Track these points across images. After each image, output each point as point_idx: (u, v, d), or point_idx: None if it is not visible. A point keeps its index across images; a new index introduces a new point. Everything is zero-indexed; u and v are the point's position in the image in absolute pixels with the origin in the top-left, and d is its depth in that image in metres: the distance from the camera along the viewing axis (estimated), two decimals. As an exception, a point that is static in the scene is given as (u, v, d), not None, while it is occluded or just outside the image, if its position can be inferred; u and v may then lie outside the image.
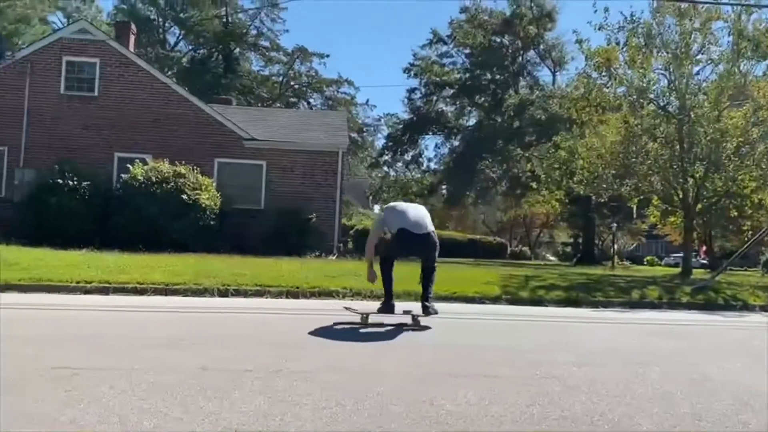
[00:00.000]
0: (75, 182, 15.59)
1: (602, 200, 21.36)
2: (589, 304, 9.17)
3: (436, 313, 6.09)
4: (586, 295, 9.85)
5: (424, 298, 6.23)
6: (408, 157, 42.38)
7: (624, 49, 16.80)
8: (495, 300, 8.99)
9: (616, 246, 35.96)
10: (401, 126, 41.81)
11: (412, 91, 41.63)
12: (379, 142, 47.56)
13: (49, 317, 6.11)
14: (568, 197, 22.45)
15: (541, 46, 40.07)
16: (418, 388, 3.41)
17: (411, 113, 41.61)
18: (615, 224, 32.82)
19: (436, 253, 6.53)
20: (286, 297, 8.59)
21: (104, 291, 8.32)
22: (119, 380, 3.33)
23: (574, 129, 19.88)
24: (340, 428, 2.68)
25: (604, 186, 18.16)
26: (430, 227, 6.43)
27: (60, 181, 15.53)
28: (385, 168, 43.46)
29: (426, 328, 5.94)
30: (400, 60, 68.21)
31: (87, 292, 8.23)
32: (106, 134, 18.17)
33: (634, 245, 54.08)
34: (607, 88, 17.88)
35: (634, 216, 32.24)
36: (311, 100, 50.93)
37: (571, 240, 47.78)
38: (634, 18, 16.50)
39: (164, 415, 2.75)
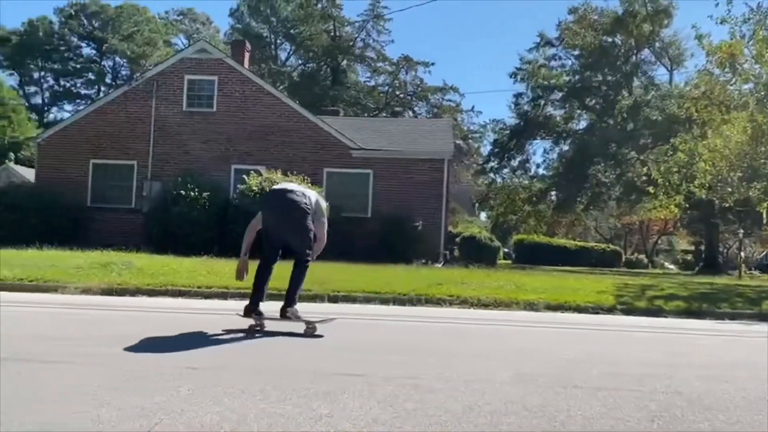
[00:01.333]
0: (196, 193, 16.58)
1: (727, 205, 19.92)
2: (714, 316, 8.56)
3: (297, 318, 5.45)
4: (711, 305, 9.21)
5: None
6: (515, 163, 41.53)
7: (750, 43, 15.63)
8: (609, 310, 8.61)
9: (743, 254, 33.37)
10: (508, 131, 41.07)
11: (518, 95, 40.83)
12: (485, 149, 47.03)
13: (177, 319, 6.52)
14: (689, 202, 21.15)
15: (657, 44, 38.05)
16: (530, 399, 3.33)
17: (518, 118, 40.80)
18: (741, 231, 30.49)
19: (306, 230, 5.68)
20: (393, 304, 8.67)
21: (223, 296, 8.78)
22: (237, 380, 3.49)
23: (693, 130, 18.74)
24: (449, 436, 2.67)
25: (729, 190, 16.95)
26: (298, 191, 5.65)
27: (182, 192, 16.57)
28: (492, 175, 42.81)
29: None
30: (506, 65, 67.42)
31: (206, 297, 8.72)
32: (223, 147, 19.24)
33: (765, 253, 49.96)
34: (731, 85, 16.72)
35: (765, 222, 29.78)
36: (416, 109, 51.31)
37: (692, 247, 44.92)
38: (762, 9, 15.33)
39: (279, 415, 2.86)
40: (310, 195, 5.81)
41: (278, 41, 52.71)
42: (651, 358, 4.97)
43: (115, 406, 2.91)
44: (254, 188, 16.37)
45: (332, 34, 49.77)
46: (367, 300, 8.78)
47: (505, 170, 42.50)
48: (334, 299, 8.74)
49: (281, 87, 41.76)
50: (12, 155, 36.79)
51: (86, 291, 8.74)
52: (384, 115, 46.34)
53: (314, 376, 3.69)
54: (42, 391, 3.18)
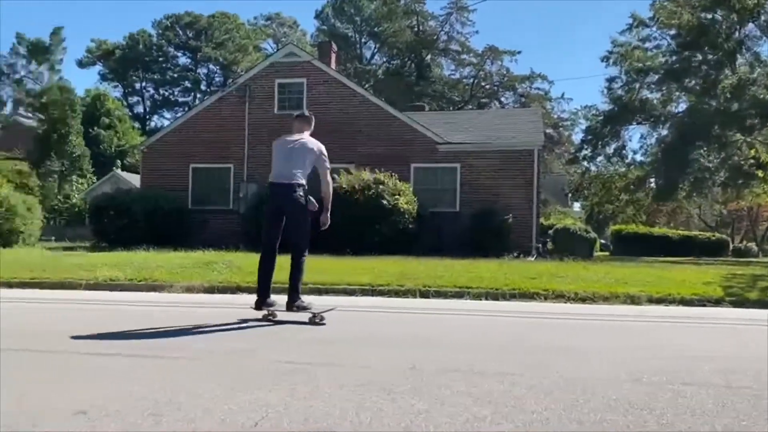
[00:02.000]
0: (289, 193, 17.05)
1: None
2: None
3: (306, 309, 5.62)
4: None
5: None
6: (610, 150, 39.90)
7: None
8: (717, 302, 8.13)
9: None
10: (601, 118, 39.52)
11: (611, 80, 39.20)
12: (577, 137, 45.56)
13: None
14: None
15: (762, 18, 35.45)
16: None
17: (611, 103, 39.17)
18: None
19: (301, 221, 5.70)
20: (486, 299, 8.57)
21: (318, 292, 8.99)
22: (339, 376, 3.57)
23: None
24: (551, 434, 2.61)
25: None
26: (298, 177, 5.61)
27: (276, 192, 17.08)
28: (585, 163, 41.37)
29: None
30: (596, 49, 64.91)
31: (304, 293, 8.95)
32: (313, 147, 19.68)
33: None
34: None
35: None
36: (503, 99, 50.47)
37: (810, 234, 41.61)
38: None
39: (378, 410, 2.89)
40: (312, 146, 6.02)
41: (363, 40, 53.33)
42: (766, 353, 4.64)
43: (222, 400, 3.05)
44: (344, 186, 16.65)
45: (415, 29, 49.81)
46: (459, 295, 8.72)
47: (600, 158, 40.97)
48: (425, 294, 8.74)
49: (367, 85, 42.22)
50: (119, 163, 39.29)
51: (189, 289, 9.20)
52: (470, 107, 45.86)
53: (416, 372, 3.70)
54: (156, 385, 3.37)
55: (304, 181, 5.84)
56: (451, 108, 44.77)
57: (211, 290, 9.21)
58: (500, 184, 18.80)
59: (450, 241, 17.52)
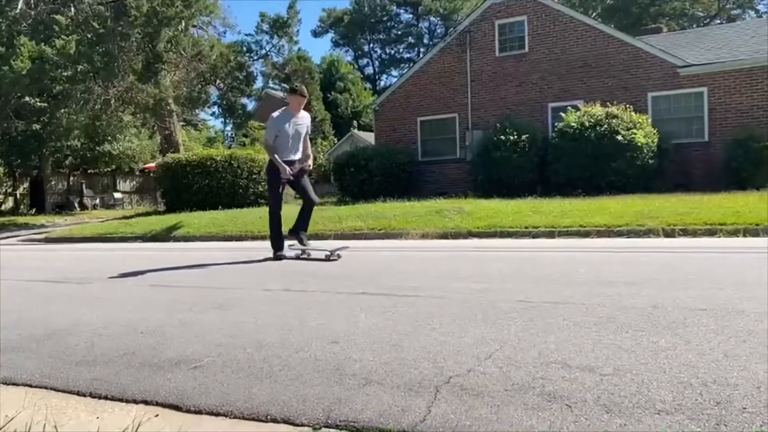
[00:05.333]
0: (515, 137, 16.82)
1: None
2: None
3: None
4: None
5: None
6: None
7: None
8: None
9: None
10: None
11: None
12: None
13: (510, 257, 6.80)
14: None
15: None
16: None
17: None
18: None
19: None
20: (743, 235, 7.67)
21: (550, 235, 8.84)
22: (574, 313, 3.52)
23: None
24: (824, 378, 2.29)
25: None
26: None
27: (502, 137, 16.96)
28: None
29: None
30: None
31: (534, 236, 8.88)
32: (538, 87, 19.04)
33: None
34: None
35: None
36: (761, 7, 43.44)
37: None
38: None
39: (617, 347, 2.81)
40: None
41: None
42: None
43: (457, 335, 3.21)
44: (573, 124, 15.90)
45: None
46: (711, 233, 7.93)
47: None
48: (669, 234, 8.09)
49: (594, 14, 39.30)
50: (355, 123, 42.09)
51: (425, 236, 9.66)
52: (718, 22, 40.30)
53: (618, 308, 3.51)
54: (404, 319, 3.65)
55: None
56: (694, 26, 39.78)
57: (444, 236, 9.57)
58: (759, 106, 16.36)
59: (699, 175, 15.87)
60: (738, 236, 7.67)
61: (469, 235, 9.39)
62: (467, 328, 3.32)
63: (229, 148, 34.13)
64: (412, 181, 19.76)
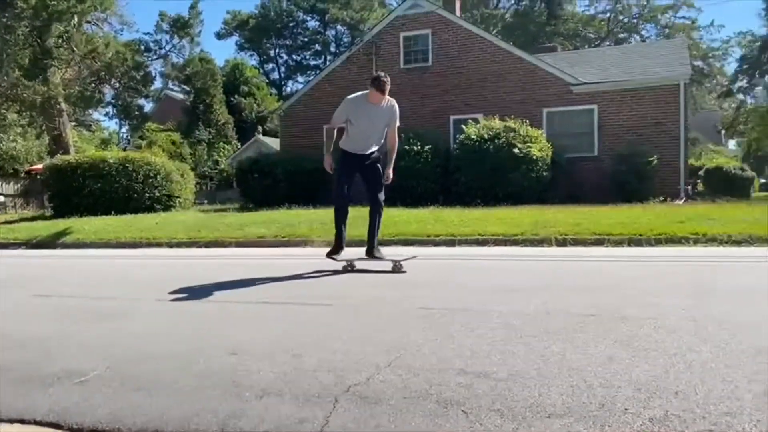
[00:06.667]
0: (419, 147, 17.14)
1: None
2: None
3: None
4: None
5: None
6: (769, 79, 35.94)
7: None
8: None
9: None
10: (758, 44, 35.56)
11: (770, 0, 34.97)
12: (730, 67, 41.40)
13: (414, 265, 6.88)
14: None
15: None
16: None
17: (771, 27, 35.05)
18: None
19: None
20: (628, 245, 8.18)
21: (451, 243, 9.05)
22: (471, 320, 3.61)
23: None
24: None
25: None
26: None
27: (406, 147, 17.22)
28: (740, 96, 37.62)
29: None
30: (752, -34, 57.70)
31: (436, 244, 9.06)
32: (441, 100, 19.53)
33: None
34: None
35: None
36: (644, 33, 46.80)
37: None
38: None
39: (511, 353, 2.90)
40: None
41: (489, -17, 51.46)
42: None
43: (357, 343, 3.20)
44: (473, 137, 16.41)
45: (544, -35, 47.18)
46: (599, 242, 8.39)
47: (757, 89, 37.06)
48: (561, 243, 8.50)
49: (495, 31, 40.89)
50: (260, 128, 41.43)
51: (330, 244, 9.60)
52: (607, 44, 43.03)
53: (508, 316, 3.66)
54: (303, 329, 3.60)
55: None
56: (585, 47, 42.24)
57: (348, 244, 9.56)
58: (643, 124, 17.61)
59: (588, 187, 16.80)
60: (623, 245, 8.16)
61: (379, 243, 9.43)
62: (367, 336, 3.33)
63: (124, 150, 32.63)
64: (319, 187, 19.64)
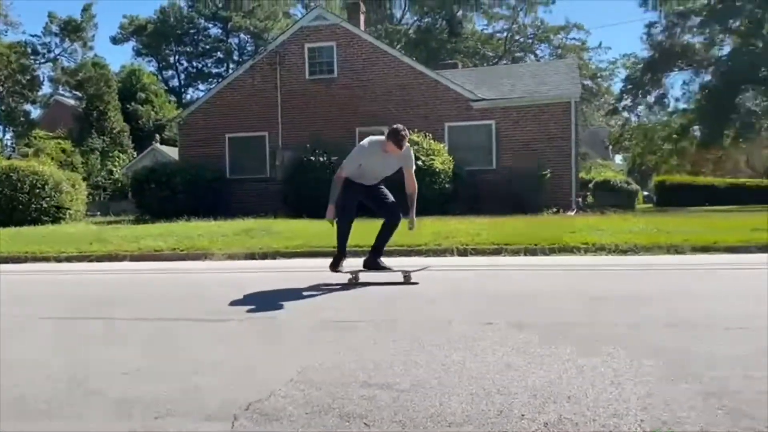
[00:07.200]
0: (324, 158, 17.11)
1: None
2: None
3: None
4: None
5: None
6: (651, 99, 38.73)
7: None
8: (764, 248, 7.89)
9: None
10: (641, 66, 38.23)
11: (651, 25, 37.71)
12: (616, 87, 44.26)
13: (313, 278, 6.82)
14: None
15: (813, -52, 33.51)
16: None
17: (651, 50, 37.81)
18: None
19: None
20: (524, 254, 8.50)
21: (355, 254, 9.05)
22: (375, 332, 3.61)
23: None
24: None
25: None
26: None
27: (312, 158, 17.16)
28: (625, 114, 40.30)
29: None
30: (634, -6, 62.23)
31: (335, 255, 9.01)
32: (346, 111, 19.61)
33: None
34: None
35: None
36: (538, 52, 49.22)
37: None
38: None
39: (413, 363, 2.92)
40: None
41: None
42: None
43: (259, 359, 3.12)
44: (378, 148, 16.55)
45: (446, -16, 48.61)
46: (497, 252, 8.68)
47: (640, 107, 39.83)
48: (462, 253, 8.72)
49: (398, 46, 41.63)
50: (157, 137, 39.89)
51: (231, 257, 9.37)
52: (504, 62, 44.91)
53: (448, 323, 3.72)
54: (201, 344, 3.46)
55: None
56: (484, 64, 43.89)
57: (252, 256, 9.36)
58: (537, 139, 18.48)
59: (488, 199, 17.37)
60: (520, 255, 8.48)
61: (278, 255, 9.29)
62: (269, 352, 3.25)
63: (9, 158, 30.42)
64: (220, 199, 19.13)
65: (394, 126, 5.90)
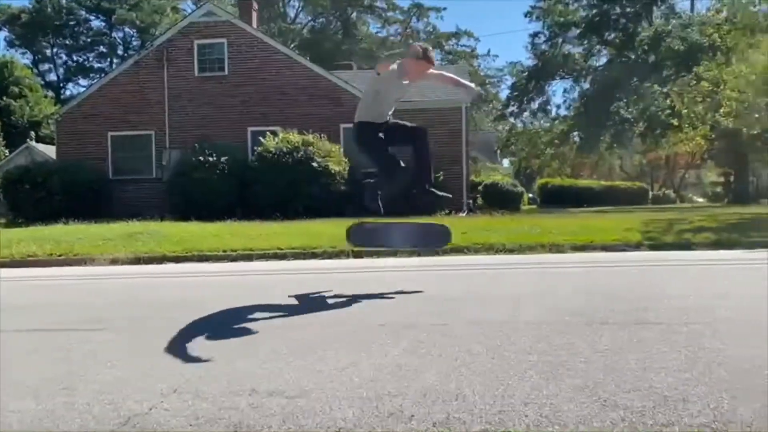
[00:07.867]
0: (214, 158, 16.62)
1: (755, 132, 19.32)
2: (746, 246, 8.38)
3: None
4: (739, 236, 9.02)
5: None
6: (535, 105, 40.88)
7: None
8: (636, 247, 8.50)
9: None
10: (526, 74, 40.23)
11: (535, 35, 39.91)
12: (504, 93, 46.27)
13: (201, 283, 6.58)
14: (715, 132, 20.61)
15: (677, -31, 36.68)
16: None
17: (535, 59, 39.92)
18: (772, 158, 29.73)
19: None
20: (417, 255, 8.65)
21: (248, 258, 8.84)
22: (264, 338, 3.52)
23: (717, 57, 18.15)
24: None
25: (757, 116, 16.48)
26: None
27: (201, 158, 16.61)
28: (512, 119, 42.22)
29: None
30: (521, 4, 65.63)
31: (233, 259, 8.80)
32: (238, 111, 19.16)
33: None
34: (756, 7, 16.08)
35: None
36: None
37: (721, 179, 44.14)
38: None
39: (305, 368, 2.87)
40: None
41: (286, -2, 51.87)
42: (680, 290, 4.88)
43: (138, 370, 2.95)
44: (271, 149, 16.33)
45: (340, -14, 48.80)
46: (392, 253, 8.76)
47: (525, 114, 41.89)
48: (358, 255, 8.74)
49: (292, 45, 41.25)
50: (32, 134, 37.13)
51: (115, 261, 8.88)
52: (398, 66, 45.65)
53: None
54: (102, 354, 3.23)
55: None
56: (379, 67, 44.44)
57: (137, 261, 8.92)
58: (443, 142, 18.88)
59: (385, 200, 17.54)
60: (413, 256, 8.62)
61: (165, 259, 8.90)
62: (148, 362, 3.09)
63: None
64: (102, 201, 18.09)
65: (414, 44, 5.29)
